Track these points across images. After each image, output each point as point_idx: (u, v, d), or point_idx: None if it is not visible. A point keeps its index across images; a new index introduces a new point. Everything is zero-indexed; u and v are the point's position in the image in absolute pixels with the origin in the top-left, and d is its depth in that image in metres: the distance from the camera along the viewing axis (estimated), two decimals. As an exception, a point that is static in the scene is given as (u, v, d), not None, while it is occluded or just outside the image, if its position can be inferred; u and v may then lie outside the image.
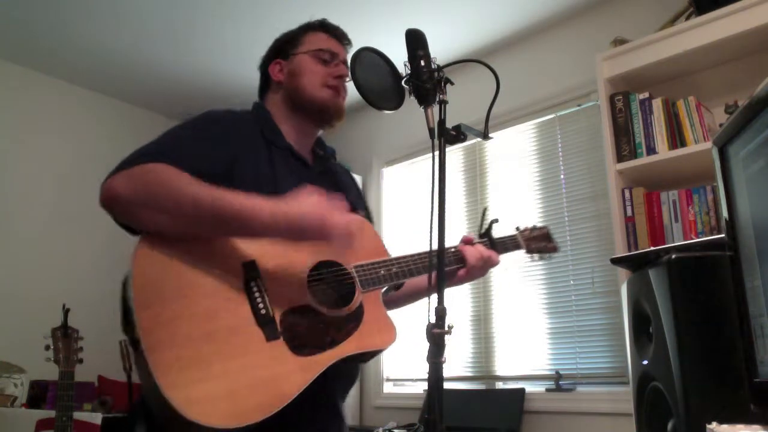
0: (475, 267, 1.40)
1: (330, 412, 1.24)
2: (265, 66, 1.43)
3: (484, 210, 1.57)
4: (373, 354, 1.19)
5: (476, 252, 1.41)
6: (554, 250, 1.64)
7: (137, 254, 1.04)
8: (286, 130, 1.36)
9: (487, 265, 1.43)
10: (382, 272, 1.25)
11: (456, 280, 1.43)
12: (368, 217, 1.49)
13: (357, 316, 1.18)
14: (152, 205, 1.05)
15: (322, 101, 1.36)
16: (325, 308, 1.14)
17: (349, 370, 1.25)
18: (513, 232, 1.59)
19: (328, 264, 1.20)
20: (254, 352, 1.04)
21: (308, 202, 1.08)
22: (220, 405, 0.96)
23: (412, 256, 1.30)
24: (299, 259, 1.15)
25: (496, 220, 1.53)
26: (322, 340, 1.11)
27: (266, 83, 1.43)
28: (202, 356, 0.99)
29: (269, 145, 1.29)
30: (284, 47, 1.42)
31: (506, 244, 1.54)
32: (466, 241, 1.45)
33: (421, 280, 1.34)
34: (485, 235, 1.51)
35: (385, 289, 1.28)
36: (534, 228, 1.63)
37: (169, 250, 1.05)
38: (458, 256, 1.41)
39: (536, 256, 1.61)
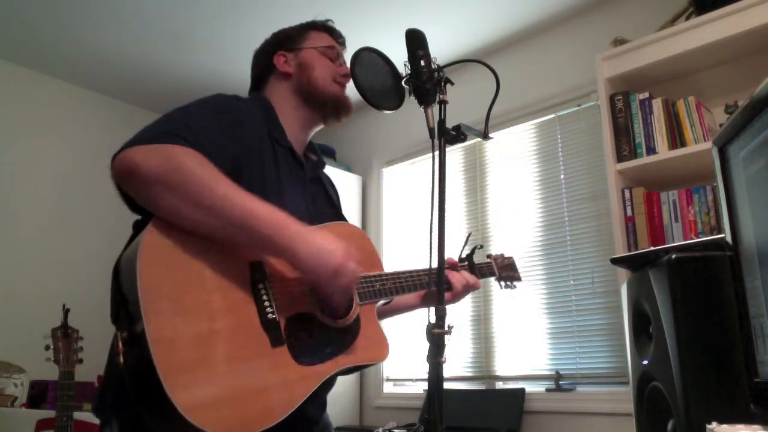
0: (459, 293, 1.46)
1: (315, 417, 1.24)
2: (266, 57, 1.41)
3: (469, 234, 1.67)
4: (367, 367, 1.22)
5: (462, 279, 1.47)
6: (518, 279, 1.72)
7: (145, 243, 0.95)
8: (287, 126, 1.34)
9: (469, 290, 1.49)
10: (378, 287, 1.26)
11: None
12: None
13: (354, 329, 1.19)
14: (179, 193, 0.98)
15: (335, 95, 1.38)
16: (327, 317, 1.14)
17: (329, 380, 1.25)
18: (486, 259, 1.68)
19: None
20: (260, 356, 1.01)
21: (335, 244, 1.07)
22: (226, 411, 0.93)
23: (404, 272, 1.34)
24: None
25: (480, 246, 1.61)
26: (322, 351, 1.11)
27: (265, 74, 1.41)
28: (208, 356, 0.95)
29: (273, 143, 1.27)
30: (288, 41, 1.41)
31: (483, 270, 1.63)
32: (450, 265, 1.51)
33: (408, 297, 1.43)
34: (467, 259, 1.57)
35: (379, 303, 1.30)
36: (504, 257, 1.72)
37: (177, 240, 0.99)
38: (445, 279, 1.44)
39: (503, 283, 1.69)
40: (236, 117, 1.19)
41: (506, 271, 1.70)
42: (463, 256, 1.58)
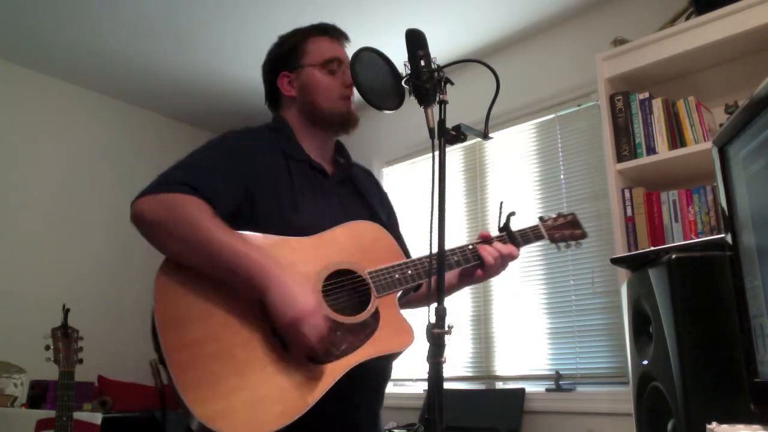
0: (493, 266, 1.38)
1: (365, 414, 1.26)
2: (271, 77, 1.45)
3: (501, 203, 1.50)
4: (394, 356, 1.22)
5: (493, 251, 1.38)
6: (582, 236, 1.56)
7: (158, 279, 1.11)
8: (307, 141, 1.39)
9: (506, 261, 1.41)
10: (397, 276, 1.26)
11: (476, 279, 1.42)
12: (391, 218, 1.53)
13: (374, 321, 1.20)
14: (176, 238, 1.11)
15: (340, 115, 1.40)
16: (340, 316, 1.16)
17: (380, 369, 1.26)
18: (534, 222, 1.55)
19: (342, 272, 1.22)
20: (273, 362, 1.09)
21: (306, 299, 1.09)
22: (240, 416, 1.02)
23: (427, 257, 1.30)
24: (312, 270, 1.18)
25: (514, 213, 1.49)
26: (338, 347, 1.13)
27: (276, 95, 1.46)
28: (225, 371, 1.05)
29: (288, 161, 1.32)
30: (288, 58, 1.43)
31: (527, 236, 1.49)
32: (483, 238, 1.43)
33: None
34: (504, 229, 1.47)
35: (401, 292, 1.29)
36: (559, 216, 1.57)
37: (188, 271, 1.12)
38: (476, 253, 1.39)
39: (562, 245, 1.54)
40: (245, 152, 1.29)
41: (561, 230, 1.53)
42: (501, 226, 1.48)
